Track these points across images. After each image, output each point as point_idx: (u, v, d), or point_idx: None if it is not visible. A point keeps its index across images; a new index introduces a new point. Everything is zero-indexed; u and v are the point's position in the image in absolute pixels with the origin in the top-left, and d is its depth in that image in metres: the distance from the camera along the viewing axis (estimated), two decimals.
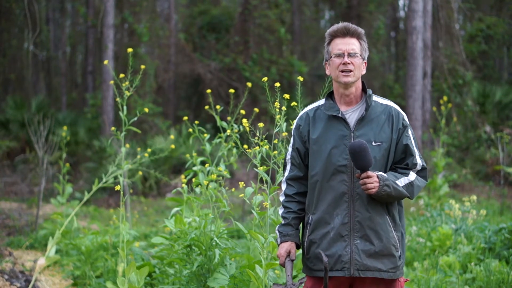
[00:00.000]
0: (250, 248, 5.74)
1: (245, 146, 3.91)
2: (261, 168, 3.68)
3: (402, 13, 26.03)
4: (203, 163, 4.75)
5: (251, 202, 3.80)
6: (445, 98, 10.20)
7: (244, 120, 3.70)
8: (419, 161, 2.97)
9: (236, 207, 10.79)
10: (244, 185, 3.90)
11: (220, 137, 4.48)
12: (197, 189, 4.25)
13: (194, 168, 4.52)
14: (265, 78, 3.62)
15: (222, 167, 4.31)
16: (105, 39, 15.75)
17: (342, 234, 2.89)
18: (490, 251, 6.02)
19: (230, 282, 3.89)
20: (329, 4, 25.53)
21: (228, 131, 4.29)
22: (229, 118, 4.41)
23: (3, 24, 19.90)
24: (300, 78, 3.69)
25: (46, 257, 5.66)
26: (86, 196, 5.59)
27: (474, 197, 7.17)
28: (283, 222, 3.06)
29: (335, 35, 2.99)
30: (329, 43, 3.02)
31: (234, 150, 4.56)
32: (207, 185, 4.21)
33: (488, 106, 15.99)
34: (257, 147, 3.72)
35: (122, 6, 17.55)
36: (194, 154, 4.62)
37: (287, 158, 3.13)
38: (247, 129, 3.71)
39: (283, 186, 3.13)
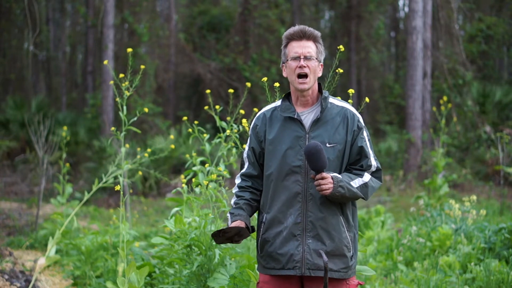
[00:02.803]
0: (250, 248, 5.76)
1: (245, 146, 3.91)
2: None
3: (402, 13, 26.04)
4: (203, 163, 4.75)
5: None
6: (445, 98, 10.19)
7: (244, 120, 3.70)
8: (373, 163, 3.00)
9: None
10: None
11: (219, 137, 4.48)
12: (197, 189, 4.25)
13: (194, 168, 4.51)
14: (265, 78, 3.62)
15: (222, 167, 4.31)
16: (105, 39, 15.76)
17: (294, 233, 2.92)
18: (490, 251, 6.02)
19: (230, 282, 3.89)
20: (329, 4, 25.54)
21: (228, 131, 4.29)
22: (228, 118, 4.40)
23: (3, 24, 19.90)
24: None
25: (46, 257, 5.67)
26: (86, 196, 5.59)
27: (474, 197, 7.17)
28: (234, 206, 3.08)
29: (291, 38, 3.01)
30: (285, 46, 3.04)
31: (234, 150, 4.56)
32: (207, 185, 4.21)
33: (488, 106, 15.98)
34: None
35: (122, 6, 17.55)
36: (194, 154, 4.62)
37: (244, 156, 3.17)
38: (247, 129, 3.72)
39: (237, 180, 3.16)
